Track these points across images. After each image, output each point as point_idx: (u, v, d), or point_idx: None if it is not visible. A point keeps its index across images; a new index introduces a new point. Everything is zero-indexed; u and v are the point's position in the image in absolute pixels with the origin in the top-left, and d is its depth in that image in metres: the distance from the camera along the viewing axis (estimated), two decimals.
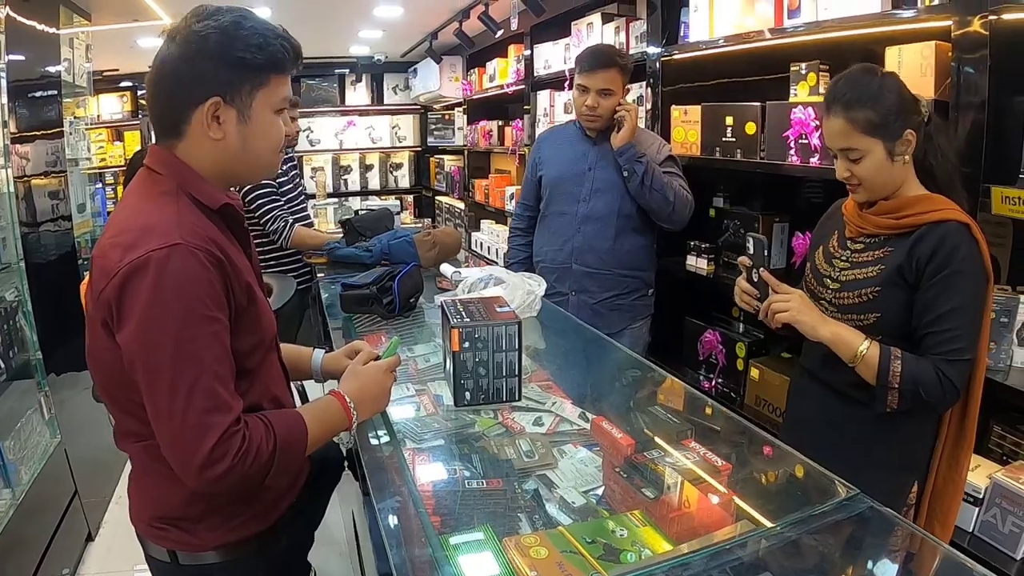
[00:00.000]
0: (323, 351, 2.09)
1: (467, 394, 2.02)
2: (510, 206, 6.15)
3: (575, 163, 3.42)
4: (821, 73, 2.96)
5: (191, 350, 1.38)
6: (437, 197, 8.81)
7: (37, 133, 3.80)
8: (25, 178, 3.51)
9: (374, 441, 1.87)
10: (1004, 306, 2.30)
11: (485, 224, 6.84)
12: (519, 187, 5.98)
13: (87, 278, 1.57)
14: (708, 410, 2.13)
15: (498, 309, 2.11)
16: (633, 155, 3.22)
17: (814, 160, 2.87)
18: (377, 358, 1.93)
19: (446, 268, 3.29)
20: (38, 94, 3.91)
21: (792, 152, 2.97)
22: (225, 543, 1.61)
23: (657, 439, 1.90)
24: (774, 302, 2.13)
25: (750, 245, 2.22)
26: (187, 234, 1.42)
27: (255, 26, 1.51)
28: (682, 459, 1.76)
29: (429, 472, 1.77)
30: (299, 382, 2.23)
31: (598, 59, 3.29)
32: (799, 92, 3.04)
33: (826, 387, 2.22)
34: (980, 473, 2.30)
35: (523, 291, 2.60)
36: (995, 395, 2.28)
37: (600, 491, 1.72)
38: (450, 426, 2.01)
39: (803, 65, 3.02)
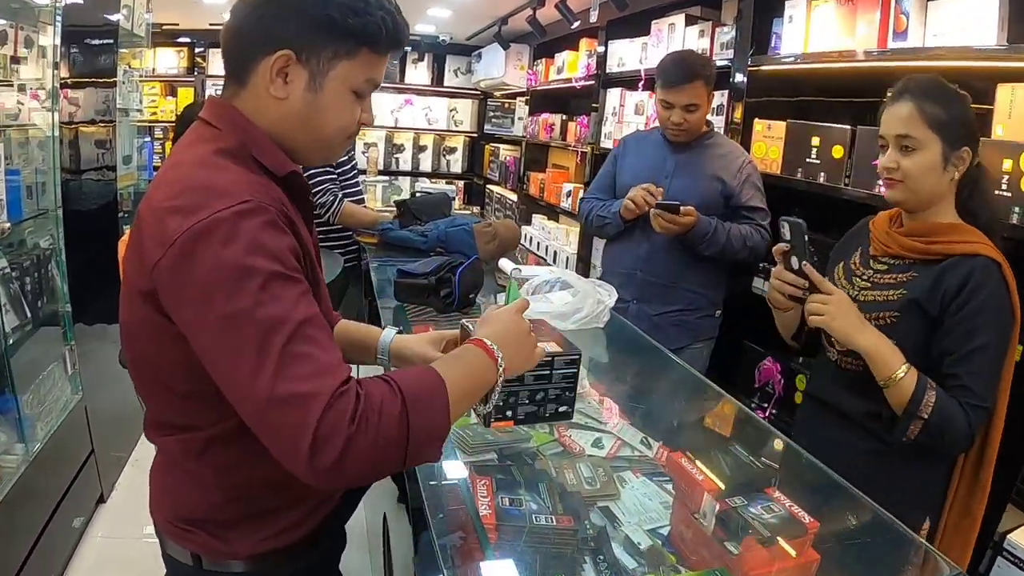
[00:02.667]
0: (395, 330, 1.78)
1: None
2: (566, 203, 5.99)
3: (652, 171, 3.23)
4: None
5: (274, 312, 1.12)
6: (488, 186, 8.64)
7: (89, 80, 3.67)
8: (72, 124, 3.39)
9: None
10: None
11: (537, 219, 6.64)
12: (577, 185, 5.86)
13: (126, 235, 1.35)
14: (795, 456, 1.94)
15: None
16: (700, 240, 3.06)
17: None
18: None
19: (505, 264, 3.11)
20: (94, 41, 3.78)
21: (880, 182, 2.76)
22: (257, 552, 1.40)
23: (736, 483, 1.74)
24: (811, 302, 1.96)
25: (786, 231, 2.00)
26: (258, 193, 1.21)
27: None
28: (765, 511, 1.58)
29: (493, 499, 1.59)
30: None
31: (683, 73, 3.07)
32: None
33: (836, 416, 2.10)
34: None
35: (593, 300, 2.42)
36: None
37: (665, 531, 1.59)
38: (504, 439, 1.85)
39: None
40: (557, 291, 2.51)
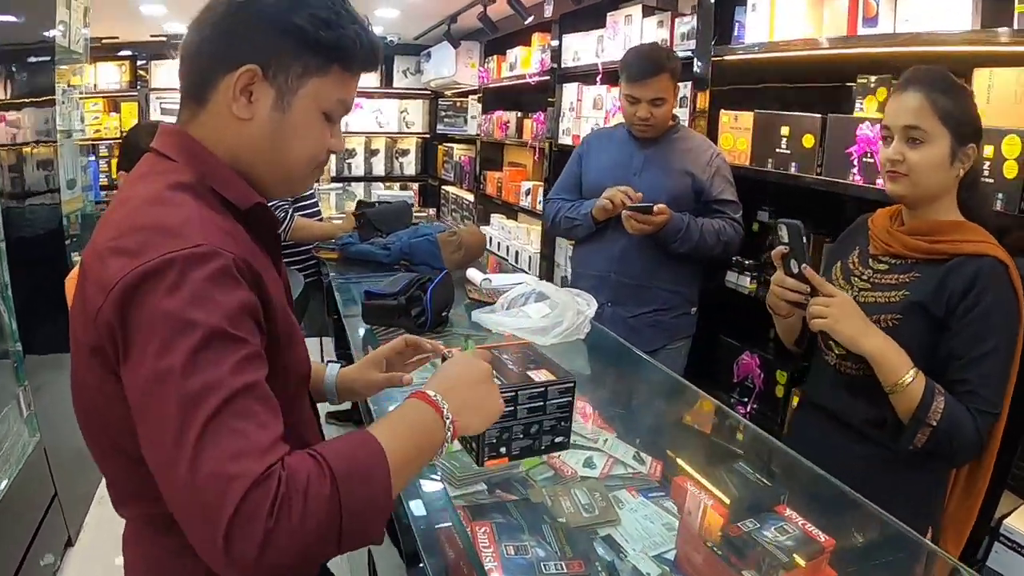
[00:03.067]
0: (339, 365, 1.68)
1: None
2: (525, 201, 5.91)
3: (619, 168, 3.15)
4: (892, 89, 2.69)
5: (207, 378, 0.99)
6: (444, 187, 8.52)
7: (25, 100, 3.49)
8: (11, 148, 3.23)
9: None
10: None
11: (495, 219, 6.55)
12: (536, 182, 5.77)
13: (74, 272, 1.20)
14: (800, 468, 1.87)
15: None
16: (673, 238, 2.98)
17: (880, 181, 2.58)
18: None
19: (474, 274, 3.01)
20: (29, 59, 3.59)
21: (855, 171, 2.71)
22: None
23: (745, 504, 1.67)
24: (812, 305, 1.88)
25: (783, 233, 1.92)
26: (214, 237, 1.08)
27: (332, 0, 1.21)
28: (779, 532, 1.52)
29: (496, 549, 1.47)
30: None
31: (648, 67, 3.00)
32: (865, 107, 2.77)
33: (834, 422, 2.02)
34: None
35: (573, 311, 2.32)
36: None
37: (671, 555, 1.50)
38: (491, 467, 1.71)
39: (872, 78, 2.74)
40: (533, 303, 2.42)
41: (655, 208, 2.85)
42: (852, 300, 1.88)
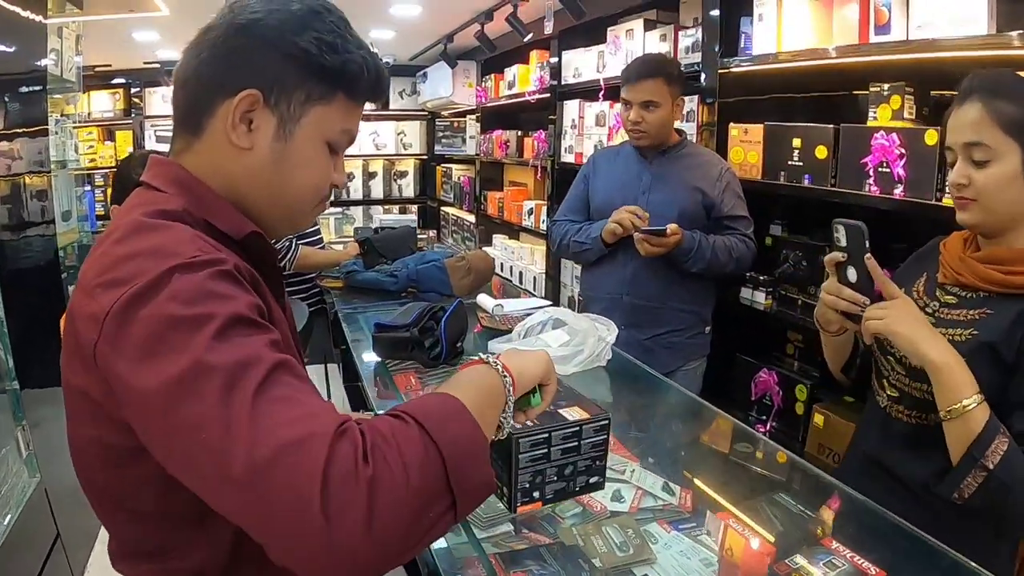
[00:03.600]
0: None
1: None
2: (528, 221, 5.84)
3: (627, 187, 3.09)
4: (906, 96, 2.62)
5: (238, 356, 0.88)
6: (443, 208, 8.46)
7: (18, 131, 3.42)
8: (2, 179, 3.17)
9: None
10: None
11: (498, 239, 6.49)
12: (539, 201, 5.70)
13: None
14: (839, 495, 1.77)
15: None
16: (685, 257, 2.92)
17: (898, 191, 2.52)
18: None
19: (485, 300, 2.92)
20: (20, 89, 3.53)
21: (871, 181, 2.63)
22: None
23: (790, 538, 1.58)
24: (869, 310, 1.61)
25: (840, 235, 1.65)
26: (206, 250, 0.99)
27: (337, 24, 1.13)
28: (829, 568, 1.44)
29: None
30: None
31: (639, 69, 2.99)
32: (879, 115, 2.70)
33: (884, 475, 1.78)
34: None
35: (594, 338, 2.24)
36: None
37: None
38: (524, 512, 1.63)
39: (885, 86, 2.67)
40: (550, 330, 2.33)
41: (668, 230, 2.78)
42: (911, 301, 1.63)
